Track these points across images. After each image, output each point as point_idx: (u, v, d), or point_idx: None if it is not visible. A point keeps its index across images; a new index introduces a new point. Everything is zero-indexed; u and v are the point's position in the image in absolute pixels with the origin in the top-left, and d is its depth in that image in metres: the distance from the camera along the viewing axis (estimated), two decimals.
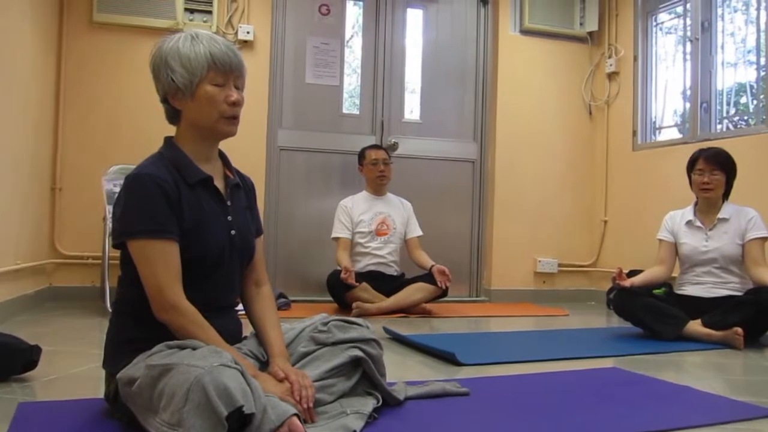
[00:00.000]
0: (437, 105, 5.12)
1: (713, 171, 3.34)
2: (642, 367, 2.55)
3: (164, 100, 1.67)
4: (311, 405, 1.52)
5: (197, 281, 1.60)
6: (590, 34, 5.26)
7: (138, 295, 1.56)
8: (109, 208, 3.78)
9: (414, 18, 5.12)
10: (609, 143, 5.22)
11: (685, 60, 4.66)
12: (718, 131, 4.41)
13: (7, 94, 3.33)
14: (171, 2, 4.34)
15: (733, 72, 4.42)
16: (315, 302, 4.39)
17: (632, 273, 3.67)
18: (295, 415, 1.36)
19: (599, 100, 5.28)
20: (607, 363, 2.66)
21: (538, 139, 5.17)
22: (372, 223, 4.26)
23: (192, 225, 1.59)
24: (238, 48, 1.70)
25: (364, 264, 4.22)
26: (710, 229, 3.38)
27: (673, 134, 4.85)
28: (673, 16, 4.93)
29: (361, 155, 4.37)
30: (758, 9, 4.22)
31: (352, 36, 5.07)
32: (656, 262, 3.54)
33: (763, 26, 4.13)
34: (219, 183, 1.71)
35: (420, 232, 4.39)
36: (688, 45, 4.60)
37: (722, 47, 4.45)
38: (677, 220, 3.51)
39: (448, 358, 2.56)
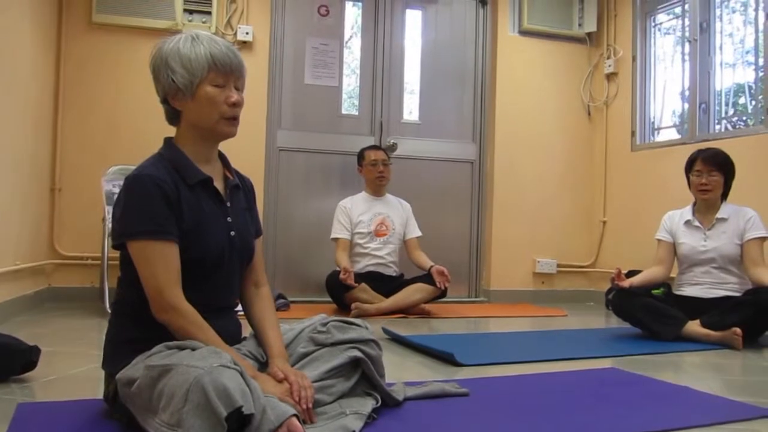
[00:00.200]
0: (436, 106, 5.13)
1: (711, 172, 3.35)
2: (641, 368, 2.55)
3: (164, 101, 1.67)
4: (310, 405, 1.52)
5: (197, 282, 1.60)
6: (589, 34, 5.27)
7: (137, 295, 1.56)
8: (109, 209, 3.78)
9: (413, 19, 5.13)
10: (608, 144, 5.22)
11: (683, 60, 4.67)
12: (717, 132, 4.41)
13: (6, 94, 3.33)
14: (170, 3, 4.34)
15: (731, 72, 4.42)
16: (314, 303, 4.39)
17: (631, 273, 3.68)
18: (295, 415, 1.36)
19: (598, 100, 5.28)
20: (606, 363, 2.66)
21: (537, 139, 5.17)
22: (371, 224, 4.27)
23: (192, 226, 1.59)
24: (238, 49, 1.70)
25: (363, 265, 4.22)
26: (709, 229, 3.38)
27: (672, 135, 4.86)
28: (671, 16, 4.93)
29: (361, 156, 4.37)
30: (756, 10, 4.22)
31: (351, 37, 5.07)
32: (655, 262, 3.54)
33: (761, 27, 4.13)
34: (219, 184, 1.71)
35: (419, 233, 4.39)
36: (687, 45, 4.60)
37: (721, 48, 4.45)
38: (676, 220, 3.52)
39: (447, 359, 2.56)
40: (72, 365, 2.34)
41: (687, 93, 4.61)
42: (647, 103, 5.00)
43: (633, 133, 5.00)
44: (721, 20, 4.47)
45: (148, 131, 3.88)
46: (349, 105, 5.03)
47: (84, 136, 4.28)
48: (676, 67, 4.82)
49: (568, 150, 5.27)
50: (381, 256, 4.25)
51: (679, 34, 4.83)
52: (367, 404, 1.68)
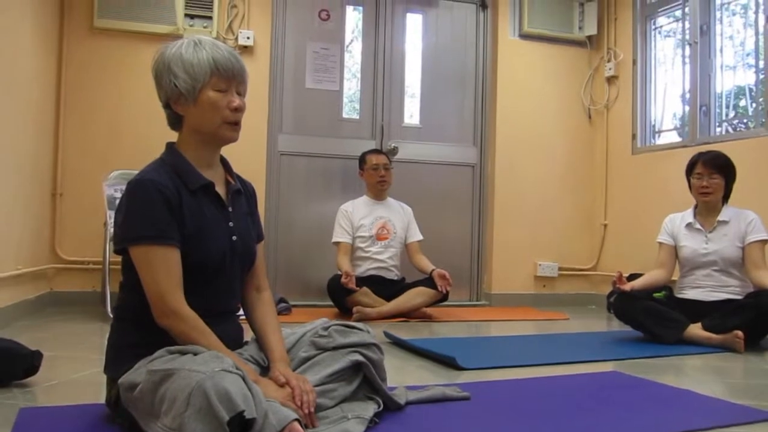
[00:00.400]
0: (437, 109, 5.13)
1: (712, 175, 3.35)
2: (642, 371, 2.55)
3: (166, 106, 1.67)
4: (312, 410, 1.52)
5: (199, 287, 1.60)
6: (589, 38, 5.27)
7: (139, 300, 1.56)
8: (110, 213, 3.79)
9: (413, 23, 5.14)
10: (608, 147, 5.23)
11: (684, 63, 4.67)
12: (718, 134, 4.41)
13: (8, 98, 3.34)
14: (171, 8, 4.35)
15: (732, 75, 4.43)
16: (315, 307, 4.39)
17: (632, 276, 3.67)
18: (296, 420, 1.37)
19: (598, 103, 5.29)
20: (608, 367, 2.67)
21: (537, 143, 5.18)
22: (372, 228, 4.27)
23: (193, 231, 1.59)
24: (239, 53, 1.71)
25: (364, 268, 4.22)
26: (710, 232, 3.38)
27: (673, 138, 4.86)
28: (671, 19, 4.94)
29: (362, 160, 4.38)
30: (756, 12, 4.23)
31: (351, 41, 5.08)
32: (656, 265, 3.54)
33: (761, 29, 4.14)
34: (220, 189, 1.71)
35: (420, 237, 4.39)
36: (687, 48, 4.61)
37: (721, 50, 4.46)
38: (677, 223, 3.52)
39: (448, 363, 2.56)
40: (74, 370, 2.34)
41: (687, 96, 4.61)
42: (648, 106, 5.01)
43: (634, 136, 5.01)
44: (721, 23, 4.47)
45: (149, 136, 3.90)
46: (350, 109, 5.03)
47: (85, 141, 4.29)
48: (676, 69, 4.82)
49: (569, 153, 5.27)
50: (382, 259, 4.26)
51: (679, 37, 4.83)
52: (369, 408, 1.68)
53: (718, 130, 4.46)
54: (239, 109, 1.65)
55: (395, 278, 4.29)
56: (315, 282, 4.58)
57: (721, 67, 4.44)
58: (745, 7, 4.43)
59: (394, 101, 5.04)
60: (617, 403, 2.05)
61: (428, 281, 4.07)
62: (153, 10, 4.35)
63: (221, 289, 1.67)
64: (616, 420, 1.86)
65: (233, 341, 1.70)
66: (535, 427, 1.78)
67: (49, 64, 4.07)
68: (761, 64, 4.18)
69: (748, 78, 4.34)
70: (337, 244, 4.25)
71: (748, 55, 4.35)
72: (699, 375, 2.63)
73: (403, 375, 2.40)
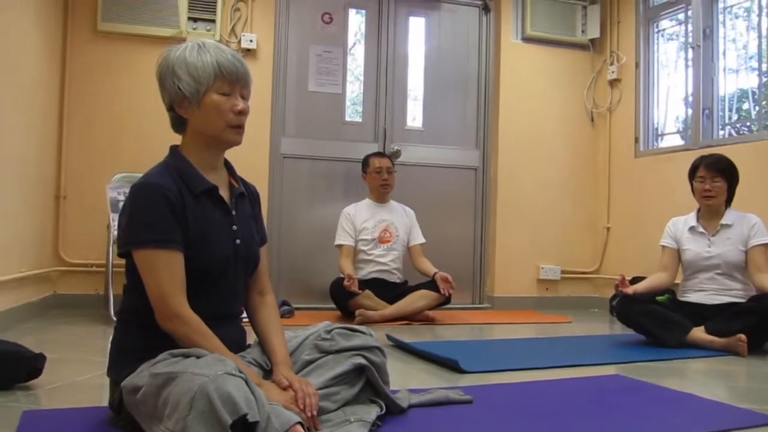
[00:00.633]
0: (439, 112, 5.14)
1: (714, 178, 3.34)
2: (645, 375, 2.55)
3: (170, 109, 1.68)
4: (315, 413, 1.52)
5: (202, 290, 1.61)
6: (592, 41, 5.27)
7: (143, 303, 1.57)
8: (113, 216, 3.80)
9: (416, 26, 5.14)
10: (611, 150, 5.22)
11: (687, 66, 4.67)
12: (721, 137, 4.41)
13: (12, 102, 3.35)
14: (174, 11, 4.36)
15: (735, 78, 4.43)
16: (318, 310, 4.39)
17: (635, 280, 3.67)
18: (299, 423, 1.37)
19: (601, 107, 5.29)
20: (611, 370, 2.66)
21: (540, 146, 5.18)
22: (375, 231, 4.27)
23: (197, 235, 1.60)
24: (242, 56, 1.71)
25: (367, 271, 4.22)
26: (713, 235, 3.38)
27: (676, 141, 4.85)
28: (674, 23, 4.94)
29: (365, 163, 4.38)
30: (759, 15, 4.23)
31: (354, 44, 5.09)
32: (659, 268, 3.53)
33: (764, 32, 4.14)
34: (224, 192, 1.72)
35: (423, 240, 4.39)
36: (690, 51, 4.61)
37: (724, 53, 4.46)
38: (680, 226, 3.51)
39: (451, 366, 2.56)
40: (77, 372, 2.35)
41: (690, 99, 4.61)
42: (650, 109, 5.00)
43: (636, 140, 5.00)
44: (724, 26, 4.47)
45: (152, 139, 3.91)
46: (353, 112, 5.04)
47: (89, 144, 4.30)
48: (679, 73, 4.82)
49: (572, 156, 5.27)
50: (385, 262, 4.26)
51: (682, 40, 4.83)
52: (372, 411, 1.68)
53: (721, 133, 4.46)
54: (243, 113, 1.65)
55: (398, 281, 4.29)
56: (317, 285, 4.58)
57: (724, 70, 4.44)
58: (748, 10, 4.43)
59: (397, 104, 5.04)
60: (620, 407, 2.05)
61: (431, 284, 4.06)
62: (156, 13, 4.36)
63: (224, 292, 1.68)
64: (619, 424, 1.86)
65: (236, 344, 1.70)
66: (537, 430, 1.78)
67: (52, 67, 4.09)
68: (764, 67, 4.17)
69: (750, 81, 4.34)
70: (339, 246, 4.26)
71: (751, 58, 4.35)
72: (702, 378, 2.63)
73: (406, 378, 2.40)
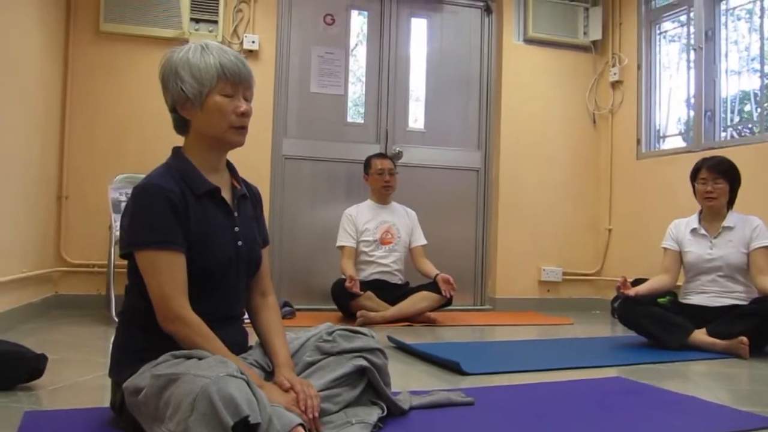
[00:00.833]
0: (441, 114, 5.14)
1: (716, 180, 3.34)
2: (646, 377, 2.55)
3: (173, 110, 1.68)
4: (316, 415, 1.52)
5: (204, 292, 1.61)
6: (594, 43, 5.27)
7: (144, 304, 1.57)
8: (115, 217, 3.80)
9: (418, 27, 5.15)
10: (613, 152, 5.22)
11: (689, 68, 4.67)
12: (723, 139, 4.41)
13: (15, 102, 3.35)
14: (177, 12, 4.37)
15: (737, 80, 4.42)
16: (319, 311, 4.40)
17: (637, 282, 3.67)
18: (301, 425, 1.37)
19: (603, 108, 5.29)
20: (612, 372, 2.66)
21: (542, 147, 5.18)
22: (377, 232, 4.27)
23: (199, 236, 1.60)
24: (244, 58, 1.72)
25: (368, 273, 4.22)
26: (715, 237, 3.37)
27: (677, 143, 4.85)
28: (676, 24, 4.94)
29: (367, 164, 4.38)
30: (762, 17, 4.23)
31: (356, 45, 5.09)
32: (661, 270, 3.53)
33: (766, 34, 4.14)
34: (226, 194, 1.72)
35: (424, 241, 4.39)
36: (692, 53, 4.60)
37: (726, 55, 4.45)
38: (682, 228, 3.51)
39: (452, 367, 2.56)
40: (78, 373, 2.35)
41: (692, 101, 4.61)
42: (652, 111, 5.00)
43: (638, 141, 5.00)
44: (726, 27, 4.47)
45: (154, 139, 3.92)
46: (355, 113, 5.04)
47: (91, 145, 4.30)
48: (681, 74, 4.82)
49: (574, 158, 5.27)
50: (386, 264, 4.26)
51: (684, 41, 4.83)
52: (373, 413, 1.68)
53: (723, 135, 4.45)
54: (246, 114, 1.65)
55: (399, 282, 4.29)
56: (319, 286, 4.58)
57: (726, 71, 4.44)
58: (750, 12, 4.43)
59: (399, 105, 5.05)
60: (621, 409, 2.05)
61: (432, 285, 4.06)
62: (159, 14, 4.37)
63: (226, 294, 1.68)
64: (620, 426, 1.86)
65: (238, 346, 1.70)
66: None
67: (55, 67, 4.09)
68: (766, 68, 4.17)
69: (753, 83, 4.34)
70: (341, 248, 4.26)
71: (753, 59, 4.35)
72: (703, 381, 2.63)
73: (407, 380, 2.40)
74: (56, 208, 4.21)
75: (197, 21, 4.46)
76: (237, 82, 1.64)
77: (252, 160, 4.35)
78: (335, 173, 4.87)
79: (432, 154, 5.06)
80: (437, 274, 4.08)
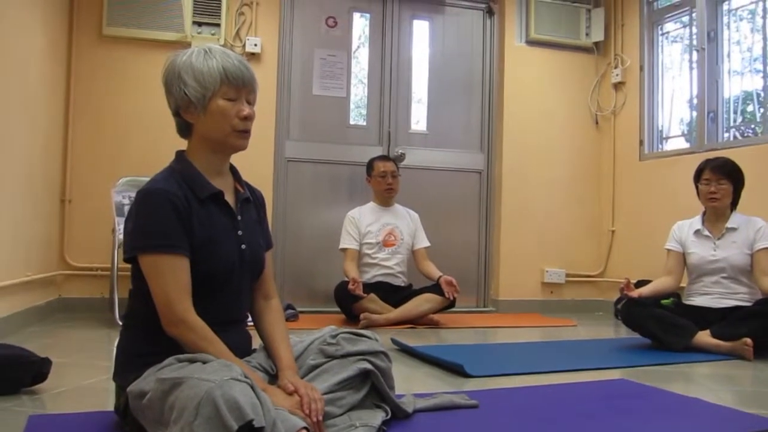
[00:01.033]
0: (444, 115, 5.14)
1: (720, 180, 3.34)
2: (650, 379, 2.54)
3: (176, 114, 1.68)
4: (320, 418, 1.52)
5: (207, 296, 1.61)
6: (596, 44, 5.27)
7: (148, 308, 1.57)
8: (118, 220, 3.80)
9: (420, 29, 5.15)
10: (616, 153, 5.22)
11: (691, 69, 4.67)
12: (725, 140, 4.40)
13: (18, 106, 3.36)
14: (179, 15, 4.38)
15: (739, 80, 4.42)
16: (322, 313, 4.40)
17: (640, 283, 3.66)
18: (305, 428, 1.37)
19: (606, 110, 5.28)
20: (616, 374, 2.66)
21: (544, 149, 5.18)
22: (379, 234, 4.27)
23: (202, 240, 1.60)
24: (246, 60, 1.72)
25: (371, 275, 4.22)
26: (718, 239, 3.37)
27: (680, 144, 4.85)
28: (679, 25, 4.93)
29: (370, 166, 4.38)
30: (764, 17, 4.22)
31: (358, 47, 5.10)
32: (664, 272, 3.53)
33: None
34: (229, 197, 1.72)
35: (427, 243, 4.39)
36: (695, 54, 4.60)
37: (728, 55, 4.45)
38: (685, 230, 3.51)
39: (456, 370, 2.56)
40: (82, 377, 2.35)
41: (695, 102, 4.60)
42: (655, 112, 5.00)
43: (641, 143, 5.00)
44: (728, 28, 4.47)
45: (157, 143, 3.93)
46: (357, 115, 5.05)
47: (94, 148, 4.31)
48: (683, 75, 4.81)
49: (576, 159, 5.27)
50: (389, 266, 4.26)
51: (686, 42, 4.83)
52: (377, 416, 1.68)
53: (726, 136, 4.44)
54: (249, 118, 1.65)
55: (402, 285, 4.29)
56: (322, 288, 4.59)
57: (729, 72, 4.43)
58: (752, 13, 4.43)
59: (401, 107, 5.05)
60: (625, 412, 2.04)
61: (435, 288, 4.06)
62: (161, 17, 4.38)
63: (230, 297, 1.68)
64: (625, 429, 1.86)
65: (241, 349, 1.69)
66: None
67: (58, 71, 4.10)
68: None
69: (755, 83, 4.33)
70: (344, 250, 4.26)
71: (755, 60, 4.34)
72: (707, 383, 2.62)
73: (411, 382, 2.40)
74: (59, 211, 4.21)
75: (200, 24, 4.47)
76: (240, 86, 1.64)
77: (254, 163, 4.35)
78: (338, 176, 4.87)
79: (434, 156, 5.07)
80: (440, 276, 4.08)
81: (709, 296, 3.35)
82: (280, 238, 4.64)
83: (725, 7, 4.46)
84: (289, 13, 4.80)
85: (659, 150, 4.97)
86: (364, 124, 5.01)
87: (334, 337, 1.77)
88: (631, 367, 2.82)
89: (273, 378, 1.67)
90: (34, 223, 3.69)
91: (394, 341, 3.12)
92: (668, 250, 3.54)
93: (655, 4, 5.04)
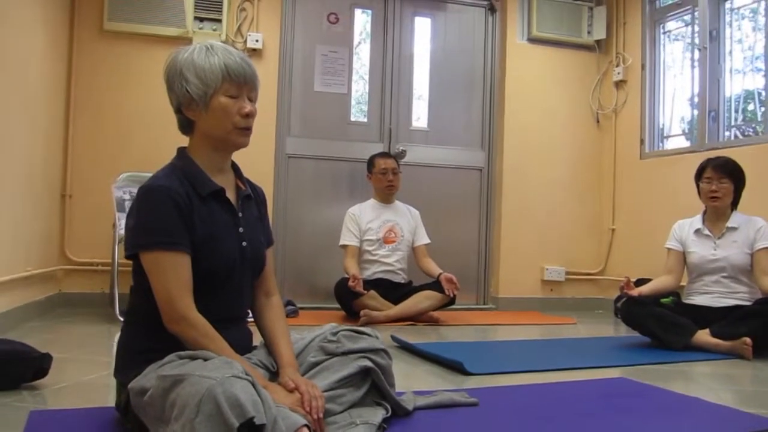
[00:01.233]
0: (445, 113, 5.14)
1: (721, 179, 3.34)
2: (650, 377, 2.55)
3: (178, 111, 1.68)
4: (321, 416, 1.52)
5: (208, 293, 1.61)
6: (598, 42, 5.27)
7: (149, 305, 1.57)
8: (119, 215, 3.80)
9: (422, 26, 5.14)
10: (616, 152, 5.22)
11: (693, 68, 4.66)
12: (726, 139, 4.40)
13: (18, 101, 3.36)
14: (181, 11, 4.37)
15: (741, 79, 4.41)
16: (322, 309, 4.40)
17: (640, 282, 3.67)
18: (305, 425, 1.37)
19: (607, 108, 5.28)
20: (615, 373, 2.66)
21: (545, 146, 5.18)
22: (380, 231, 4.27)
23: (204, 237, 1.60)
24: (247, 56, 1.72)
25: (371, 272, 4.22)
26: (719, 238, 3.37)
27: (681, 143, 4.85)
28: (681, 24, 4.93)
29: (371, 163, 4.38)
30: (766, 16, 4.22)
31: (359, 43, 5.09)
32: (664, 271, 3.53)
33: None
34: (231, 194, 1.72)
35: (428, 240, 4.39)
36: (696, 52, 4.60)
37: (730, 53, 4.44)
38: (686, 229, 3.51)
39: (456, 367, 2.56)
40: (83, 372, 2.36)
41: (696, 100, 4.60)
42: (656, 110, 4.99)
43: (642, 141, 4.99)
44: (730, 26, 4.46)
45: (158, 138, 3.93)
46: (358, 112, 5.04)
47: (95, 143, 4.31)
48: (685, 74, 4.81)
49: (577, 157, 5.27)
50: (390, 263, 4.26)
51: (688, 41, 4.82)
52: (378, 414, 1.68)
53: (727, 134, 4.44)
54: (250, 115, 1.65)
55: (402, 281, 4.29)
56: (322, 285, 4.59)
57: (730, 71, 4.43)
58: (754, 11, 4.42)
59: (402, 104, 5.05)
60: (624, 411, 2.05)
61: (435, 285, 4.06)
62: (162, 12, 4.37)
63: (231, 294, 1.68)
64: (624, 428, 1.86)
65: (242, 346, 1.69)
66: None
67: (59, 66, 4.10)
68: None
69: (757, 82, 4.33)
70: (344, 247, 4.26)
71: (757, 58, 4.33)
72: (707, 382, 2.62)
73: (411, 380, 2.40)
74: (60, 206, 4.21)
75: (201, 20, 4.46)
76: (242, 83, 1.64)
77: (255, 159, 4.34)
78: (338, 172, 4.87)
79: (435, 153, 5.06)
80: (440, 273, 4.08)
81: (709, 295, 3.35)
82: (281, 235, 4.64)
83: (727, 5, 4.45)
84: (291, 8, 4.79)
85: (660, 149, 4.96)
86: (365, 120, 5.01)
87: (334, 334, 1.77)
88: (631, 365, 2.83)
89: (274, 375, 1.67)
90: (34, 218, 3.69)
91: (394, 338, 3.13)
92: (668, 249, 3.54)
93: (657, 2, 5.04)
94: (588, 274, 5.24)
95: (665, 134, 4.98)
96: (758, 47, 4.31)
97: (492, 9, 5.24)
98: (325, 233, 4.66)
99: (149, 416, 1.43)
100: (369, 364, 1.71)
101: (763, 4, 4.26)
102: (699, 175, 3.45)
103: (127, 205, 3.76)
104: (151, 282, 1.55)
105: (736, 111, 4.46)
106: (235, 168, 1.78)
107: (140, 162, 4.10)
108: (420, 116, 5.14)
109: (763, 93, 4.26)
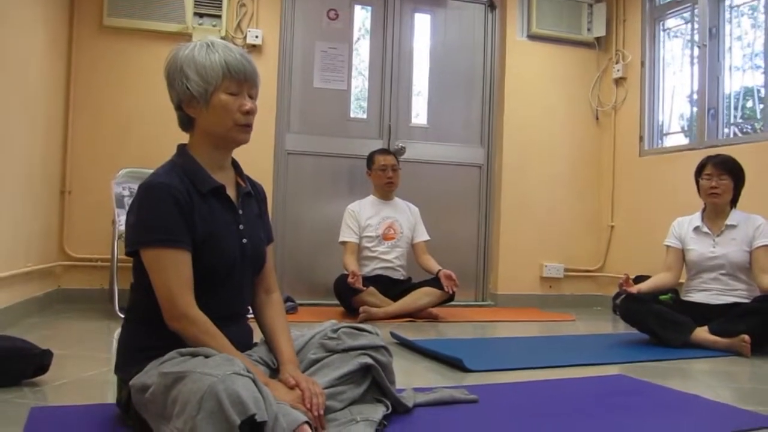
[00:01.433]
0: (444, 109, 5.13)
1: (721, 176, 3.35)
2: (648, 374, 2.56)
3: (178, 108, 1.68)
4: (322, 412, 1.53)
5: (209, 290, 1.61)
6: (597, 39, 5.26)
7: (150, 302, 1.57)
8: (118, 211, 3.80)
9: (421, 22, 5.14)
10: (616, 149, 5.22)
11: (692, 65, 4.66)
12: (725, 137, 4.40)
13: (18, 97, 3.35)
14: (180, 7, 4.36)
15: (740, 76, 4.41)
16: (322, 306, 4.41)
17: (639, 279, 3.68)
18: (306, 422, 1.37)
19: (606, 105, 5.28)
20: (614, 370, 2.67)
21: (545, 143, 5.17)
22: (379, 228, 4.28)
23: (204, 234, 1.60)
24: (247, 52, 1.71)
25: (371, 268, 4.23)
26: (718, 236, 3.38)
27: (680, 140, 4.85)
28: (680, 21, 4.92)
29: (370, 160, 4.38)
30: (766, 13, 4.22)
31: (359, 40, 5.08)
32: (663, 268, 3.54)
33: None
34: (231, 191, 1.72)
35: (427, 237, 4.40)
36: (696, 50, 4.60)
37: (729, 51, 4.44)
38: (685, 226, 3.51)
39: (455, 364, 2.57)
40: (83, 369, 2.36)
41: (695, 98, 4.60)
42: (655, 108, 4.99)
43: (641, 138, 5.00)
44: (730, 24, 4.46)
45: (157, 134, 3.93)
46: (358, 108, 5.04)
47: (94, 139, 4.30)
48: (684, 71, 4.81)
49: (576, 154, 5.27)
50: (389, 259, 4.26)
51: (688, 38, 4.82)
52: (378, 411, 1.69)
53: (726, 132, 4.44)
54: (251, 112, 1.65)
55: (402, 278, 4.30)
56: (322, 281, 4.60)
57: (730, 68, 4.43)
58: (753, 9, 4.42)
59: (402, 101, 5.04)
60: (623, 408, 2.06)
61: (435, 281, 4.07)
62: (162, 8, 4.36)
63: (231, 291, 1.68)
64: (622, 425, 1.87)
65: (242, 343, 1.70)
66: (541, 431, 1.79)
67: (58, 62, 4.09)
68: None
69: (756, 79, 4.33)
70: (344, 243, 4.26)
71: (756, 56, 4.33)
72: (705, 379, 2.63)
73: (411, 376, 2.41)
74: (59, 202, 4.21)
75: (201, 15, 4.45)
76: (242, 80, 1.64)
77: (255, 156, 4.34)
78: (338, 169, 4.87)
79: (435, 150, 5.06)
80: (439, 270, 4.09)
81: (707, 293, 3.36)
82: (280, 231, 4.64)
83: (727, 3, 4.45)
84: (290, 5, 4.78)
85: (659, 146, 4.96)
86: (365, 117, 5.00)
87: (335, 331, 1.78)
88: (629, 362, 2.84)
89: (274, 372, 1.68)
90: (33, 214, 3.69)
91: (393, 335, 3.13)
92: (667, 246, 3.55)
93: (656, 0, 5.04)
94: (587, 271, 5.24)
95: (664, 131, 4.98)
96: (757, 44, 4.31)
97: (492, 6, 5.23)
98: (324, 230, 4.66)
99: (151, 413, 1.44)
100: (369, 361, 1.71)
101: (762, 1, 4.25)
102: (699, 172, 3.45)
103: (127, 201, 3.76)
104: (151, 279, 1.56)
105: (736, 108, 4.46)
106: (236, 165, 1.79)
107: (140, 158, 4.10)
108: (419, 113, 5.13)
109: (763, 90, 4.26)
